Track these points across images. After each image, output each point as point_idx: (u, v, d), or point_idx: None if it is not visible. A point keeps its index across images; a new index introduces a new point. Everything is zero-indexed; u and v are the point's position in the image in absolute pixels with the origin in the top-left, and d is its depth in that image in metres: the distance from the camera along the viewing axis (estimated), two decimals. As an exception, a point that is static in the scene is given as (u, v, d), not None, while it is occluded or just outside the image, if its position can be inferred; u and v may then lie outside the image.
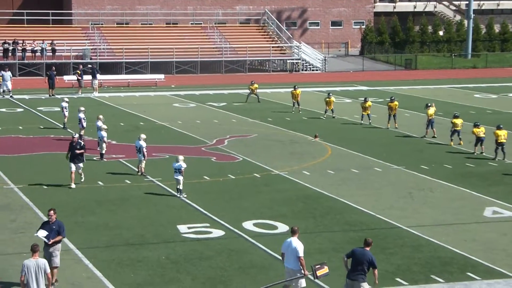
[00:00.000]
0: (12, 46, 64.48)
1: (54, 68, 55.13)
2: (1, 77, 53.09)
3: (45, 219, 20.06)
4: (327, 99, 44.46)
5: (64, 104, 39.80)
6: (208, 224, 23.52)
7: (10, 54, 64.44)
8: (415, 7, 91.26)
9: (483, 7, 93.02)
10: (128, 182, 28.76)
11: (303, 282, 17.20)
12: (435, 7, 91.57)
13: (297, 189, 27.98)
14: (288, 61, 73.73)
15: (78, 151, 27.69)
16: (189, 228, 23.08)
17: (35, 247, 16.43)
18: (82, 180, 27.98)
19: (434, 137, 37.92)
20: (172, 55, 68.36)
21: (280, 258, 20.24)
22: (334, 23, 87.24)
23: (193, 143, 36.51)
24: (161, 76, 62.41)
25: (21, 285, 16.03)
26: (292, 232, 17.42)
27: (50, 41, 65.47)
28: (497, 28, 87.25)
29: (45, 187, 27.94)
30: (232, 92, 56.19)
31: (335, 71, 72.63)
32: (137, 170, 29.92)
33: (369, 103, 42.36)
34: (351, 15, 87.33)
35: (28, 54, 64.88)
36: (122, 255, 20.69)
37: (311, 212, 24.91)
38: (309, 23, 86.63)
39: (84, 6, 78.27)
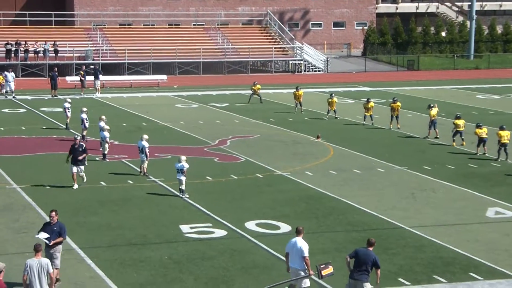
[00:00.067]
0: (15, 47, 64.54)
1: (56, 69, 55.17)
2: (4, 78, 53.18)
3: (48, 219, 20.07)
4: (330, 99, 44.47)
5: (67, 105, 39.82)
6: (210, 224, 23.52)
7: (12, 55, 64.48)
8: (417, 8, 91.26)
9: (485, 8, 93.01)
10: (131, 182, 28.78)
11: (307, 282, 17.20)
12: (437, 8, 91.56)
13: (300, 189, 27.98)
14: (290, 62, 73.73)
15: (80, 157, 27.57)
16: (191, 228, 23.09)
17: (38, 247, 16.45)
18: (85, 180, 27.95)
19: (436, 137, 37.91)
20: (175, 56, 68.39)
21: (283, 258, 20.31)
22: (336, 24, 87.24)
23: (195, 143, 36.53)
24: (164, 77, 62.44)
25: (23, 285, 16.04)
26: (297, 232, 17.39)
27: (53, 42, 65.52)
28: (499, 29, 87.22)
29: (47, 187, 27.97)
30: (235, 93, 56.20)
31: (338, 72, 72.62)
32: (139, 170, 29.94)
33: (371, 103, 42.36)
34: (354, 16, 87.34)
35: (31, 55, 64.94)
36: (124, 255, 20.70)
37: (314, 213, 24.91)
38: (312, 24, 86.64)
39: (87, 7, 78.34)
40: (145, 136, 29.69)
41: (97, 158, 32.37)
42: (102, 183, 28.61)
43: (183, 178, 26.30)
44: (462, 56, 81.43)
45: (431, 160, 32.99)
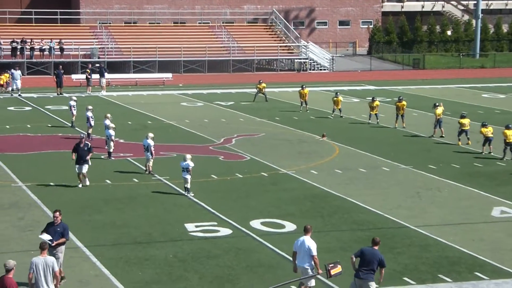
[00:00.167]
0: (21, 45, 64.63)
1: (61, 67, 55.24)
2: (11, 76, 53.27)
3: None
4: (335, 98, 44.44)
5: (72, 103, 39.84)
6: (215, 223, 23.52)
7: (18, 53, 64.58)
8: (423, 6, 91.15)
9: (491, 7, 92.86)
10: (136, 180, 28.79)
11: (312, 281, 17.20)
12: (443, 6, 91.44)
13: (305, 188, 27.97)
14: (295, 60, 73.71)
15: (88, 157, 27.57)
16: (196, 226, 23.10)
17: (44, 245, 16.47)
18: (87, 184, 27.66)
19: (442, 136, 37.87)
20: (180, 54, 68.42)
21: (288, 257, 20.29)
22: (341, 23, 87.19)
23: (200, 142, 36.54)
24: (169, 75, 62.48)
25: (28, 283, 16.05)
26: (305, 230, 17.35)
27: (58, 40, 65.62)
28: (505, 28, 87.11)
29: (53, 185, 27.99)
30: (240, 91, 56.20)
31: (343, 71, 72.58)
32: (144, 168, 29.96)
33: (377, 102, 42.32)
34: (359, 14, 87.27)
35: (36, 53, 65.04)
36: (129, 253, 20.71)
37: (319, 211, 24.90)
38: (317, 23, 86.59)
39: (92, 5, 78.39)
40: (151, 134, 29.70)
41: (102, 156, 32.39)
42: (107, 181, 28.63)
43: (188, 176, 26.31)
44: (467, 55, 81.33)
45: (436, 159, 32.95)
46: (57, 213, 18.52)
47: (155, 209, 25.05)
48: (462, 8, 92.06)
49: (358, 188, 28.07)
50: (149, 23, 78.07)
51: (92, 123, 36.39)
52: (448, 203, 26.19)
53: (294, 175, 29.84)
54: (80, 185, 27.50)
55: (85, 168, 27.51)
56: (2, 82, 54.74)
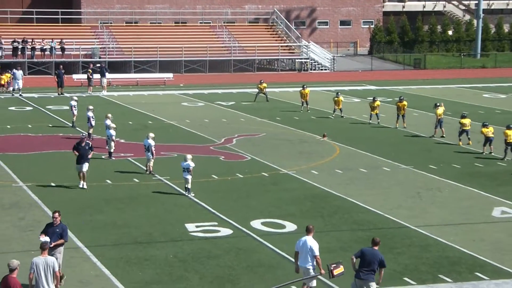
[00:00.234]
0: (22, 44, 64.65)
1: (62, 66, 55.27)
2: (12, 76, 53.29)
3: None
4: (336, 98, 44.44)
5: (73, 103, 39.86)
6: (216, 223, 23.53)
7: (19, 52, 64.60)
8: (424, 6, 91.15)
9: (492, 7, 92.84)
10: (137, 180, 28.81)
11: (313, 282, 17.20)
12: (444, 6, 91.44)
13: (305, 188, 27.98)
14: (296, 60, 73.71)
15: (89, 156, 27.55)
16: (197, 226, 23.11)
17: (44, 245, 16.49)
18: (85, 187, 27.37)
19: (442, 136, 37.87)
20: (181, 54, 68.43)
21: (289, 257, 20.31)
22: (343, 23, 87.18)
23: (201, 142, 36.55)
24: (170, 75, 62.50)
25: (29, 283, 16.05)
26: (307, 230, 17.34)
27: (59, 40, 65.64)
28: (506, 28, 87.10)
29: (53, 185, 28.01)
30: (241, 91, 56.21)
31: (344, 71, 72.57)
32: (145, 168, 29.97)
33: (377, 102, 42.33)
34: (360, 14, 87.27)
35: (38, 52, 65.05)
36: (130, 253, 20.73)
37: (319, 211, 24.90)
38: (318, 23, 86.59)
39: (93, 5, 78.40)
40: (151, 134, 29.72)
41: (103, 156, 32.41)
42: (108, 181, 28.65)
43: (189, 177, 26.32)
44: (468, 55, 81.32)
45: (437, 159, 32.95)
46: (56, 214, 18.51)
47: (156, 209, 25.06)
48: (463, 8, 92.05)
49: (358, 188, 28.08)
50: (150, 23, 78.09)
51: (93, 123, 36.40)
52: (448, 203, 26.19)
53: (295, 175, 29.85)
54: (81, 185, 27.38)
55: (85, 167, 27.42)
56: (3, 82, 54.80)
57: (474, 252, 21.05)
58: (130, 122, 41.76)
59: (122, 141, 35.86)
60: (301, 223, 23.14)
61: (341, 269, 16.07)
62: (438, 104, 39.27)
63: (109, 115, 34.29)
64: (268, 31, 77.37)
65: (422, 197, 26.95)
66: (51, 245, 17.92)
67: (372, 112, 42.25)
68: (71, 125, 40.15)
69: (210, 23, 78.15)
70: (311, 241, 17.12)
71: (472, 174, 30.50)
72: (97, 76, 55.27)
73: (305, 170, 30.77)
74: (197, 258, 20.35)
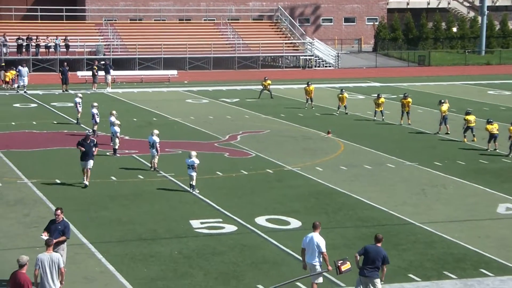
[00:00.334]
0: (26, 42, 64.68)
1: (66, 63, 55.30)
2: (18, 73, 53.34)
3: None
4: (340, 95, 44.41)
5: (78, 100, 39.92)
6: (220, 220, 23.55)
7: (24, 50, 64.64)
8: (428, 3, 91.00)
9: (497, 4, 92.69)
10: (141, 177, 28.82)
11: (319, 278, 17.19)
12: (448, 3, 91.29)
13: (310, 185, 27.97)
14: (301, 57, 73.66)
15: (95, 152, 27.49)
16: (201, 223, 23.12)
17: (49, 241, 16.50)
18: (87, 184, 27.13)
19: (447, 133, 37.82)
20: (185, 51, 68.41)
21: (293, 253, 20.32)
22: (347, 20, 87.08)
23: (206, 139, 36.56)
24: (174, 72, 62.47)
25: (34, 279, 16.06)
26: (314, 227, 17.33)
27: (64, 37, 65.66)
28: (511, 25, 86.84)
29: (58, 182, 28.03)
30: (245, 88, 56.19)
31: (348, 68, 72.51)
32: (150, 165, 29.98)
33: (382, 99, 42.29)
34: (364, 11, 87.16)
35: (42, 50, 65.06)
36: (135, 250, 20.75)
37: (324, 208, 24.90)
38: (322, 20, 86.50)
39: (98, 2, 78.41)
40: (156, 131, 29.72)
41: (107, 153, 32.44)
42: (113, 178, 28.67)
43: (194, 174, 26.32)
44: (473, 51, 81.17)
45: (441, 156, 32.92)
46: (59, 211, 18.54)
47: (160, 205, 25.08)
48: (468, 5, 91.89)
49: (363, 184, 28.07)
50: (154, 20, 78.09)
51: (98, 120, 36.43)
52: (453, 200, 26.17)
53: (299, 172, 29.84)
54: (86, 182, 27.34)
55: (90, 164, 27.34)
56: (7, 79, 54.87)
57: (479, 249, 21.04)
58: (135, 119, 41.78)
59: (127, 138, 35.88)
60: (305, 220, 23.16)
61: (348, 265, 16.07)
62: (442, 101, 39.23)
63: (114, 112, 34.31)
64: (273, 28, 77.31)
65: (427, 193, 26.93)
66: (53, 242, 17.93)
67: (376, 109, 42.21)
68: (75, 122, 40.20)
69: (214, 20, 78.11)
70: (317, 237, 17.11)
71: (477, 170, 30.47)
72: (101, 73, 55.29)
73: (310, 166, 30.76)
74: (201, 255, 20.37)
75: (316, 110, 45.65)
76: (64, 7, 72.68)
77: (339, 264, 15.96)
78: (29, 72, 56.80)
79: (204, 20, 78.88)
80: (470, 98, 51.30)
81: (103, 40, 68.47)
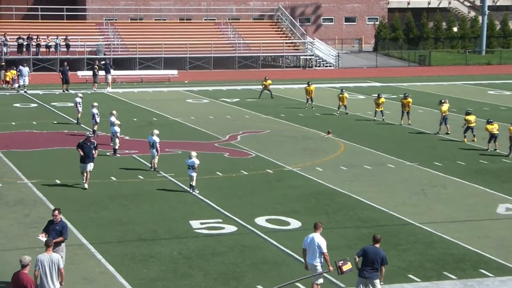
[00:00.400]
0: (27, 41, 64.67)
1: (66, 63, 55.31)
2: (19, 72, 53.33)
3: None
4: (340, 95, 44.41)
5: (78, 100, 39.92)
6: (220, 220, 23.55)
7: (24, 49, 64.63)
8: (429, 3, 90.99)
9: (498, 3, 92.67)
10: (141, 177, 28.83)
11: (320, 279, 17.19)
12: (449, 3, 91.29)
13: (310, 185, 27.98)
14: (301, 57, 73.63)
15: (95, 155, 27.27)
16: (201, 223, 23.13)
17: (49, 242, 16.50)
18: (86, 187, 27.08)
19: (447, 133, 37.82)
20: (186, 51, 68.40)
21: (293, 253, 20.32)
22: (347, 19, 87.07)
23: (206, 139, 36.56)
24: (175, 71, 62.45)
25: (34, 280, 16.03)
26: (315, 227, 17.34)
27: (64, 37, 65.64)
28: (511, 25, 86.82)
29: (58, 182, 28.04)
30: (245, 88, 56.19)
31: (349, 67, 72.49)
32: (150, 165, 29.98)
33: (382, 99, 42.28)
34: (365, 11, 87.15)
35: (42, 49, 65.05)
36: (134, 250, 20.75)
37: (324, 208, 24.91)
38: (323, 19, 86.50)
39: (98, 2, 78.42)
40: (156, 131, 29.72)
41: (107, 153, 32.44)
42: (113, 178, 28.67)
43: (194, 174, 26.32)
44: (474, 51, 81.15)
45: (441, 156, 32.92)
46: (56, 212, 18.53)
47: (160, 206, 25.09)
48: (469, 4, 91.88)
49: (363, 185, 28.07)
50: (155, 19, 78.09)
51: (98, 119, 36.42)
52: (453, 200, 26.17)
53: (299, 172, 29.85)
54: (85, 185, 27.16)
55: (90, 167, 27.09)
56: (8, 79, 54.87)
57: (479, 249, 21.04)
58: (135, 119, 41.79)
59: (127, 138, 35.89)
60: (305, 220, 23.17)
61: (349, 265, 16.08)
62: (443, 101, 39.23)
63: (114, 112, 34.30)
64: (273, 28, 77.30)
65: (427, 194, 26.94)
66: None
67: (377, 109, 42.21)
68: (76, 122, 40.20)
69: (215, 19, 78.10)
70: (318, 238, 17.11)
71: (477, 171, 30.47)
72: (102, 73, 55.28)
73: (310, 167, 30.76)
74: (201, 255, 20.37)
75: (317, 110, 45.65)
76: (64, 7, 72.65)
77: (340, 264, 15.96)
78: (30, 72, 56.79)
79: (205, 19, 78.87)
80: (470, 98, 51.29)
81: (103, 40, 68.46)
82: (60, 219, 18.49)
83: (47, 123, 40.45)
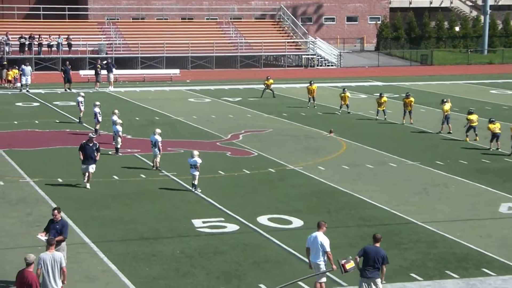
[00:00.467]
0: (29, 41, 64.72)
1: (68, 62, 55.33)
2: (21, 72, 53.37)
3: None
4: (342, 94, 44.41)
5: (80, 99, 39.93)
6: (222, 219, 23.55)
7: (26, 48, 64.67)
8: (431, 2, 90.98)
9: (499, 3, 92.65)
10: (143, 176, 28.83)
11: (323, 278, 17.19)
12: (451, 2, 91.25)
13: (312, 184, 27.97)
14: (303, 56, 73.64)
15: (97, 157, 27.03)
16: (203, 222, 23.13)
17: (51, 240, 16.51)
18: (88, 188, 26.98)
19: (449, 132, 37.81)
20: (188, 50, 68.43)
21: (295, 252, 20.33)
22: (349, 19, 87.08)
23: (208, 138, 36.56)
24: (177, 71, 62.47)
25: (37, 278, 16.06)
26: (318, 226, 17.33)
27: (66, 36, 65.69)
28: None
29: (60, 181, 28.05)
30: (247, 87, 56.20)
31: (351, 67, 72.49)
32: (152, 164, 29.99)
33: (384, 98, 42.27)
34: (367, 10, 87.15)
35: (44, 48, 65.12)
36: (137, 249, 20.76)
37: (326, 207, 24.90)
38: (325, 19, 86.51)
39: (100, 1, 78.47)
40: (158, 130, 29.73)
41: (110, 152, 32.44)
42: (115, 177, 28.68)
43: (196, 173, 26.32)
44: (475, 51, 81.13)
45: (444, 155, 32.91)
46: (55, 211, 18.51)
47: (162, 205, 25.09)
48: (470, 4, 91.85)
49: (365, 184, 28.07)
50: (156, 19, 78.11)
51: (100, 119, 36.40)
52: (455, 199, 26.16)
53: (301, 171, 29.84)
54: (87, 185, 27.09)
55: (92, 168, 26.90)
56: (10, 78, 54.90)
57: (481, 248, 21.03)
58: (137, 118, 41.80)
59: (129, 137, 35.90)
60: (307, 219, 23.17)
61: (352, 263, 16.12)
62: (445, 100, 39.21)
63: (116, 111, 34.34)
64: (275, 27, 77.31)
65: (429, 193, 26.93)
66: None
67: (379, 108, 42.20)
68: (78, 121, 40.22)
69: (216, 19, 78.12)
70: (321, 237, 17.11)
71: (479, 170, 30.46)
72: (104, 72, 55.30)
73: (312, 166, 30.76)
74: (203, 254, 20.37)
75: (318, 109, 45.64)
76: (66, 6, 72.71)
77: (343, 263, 15.99)
78: (32, 71, 56.82)
79: (207, 19, 78.89)
80: (472, 98, 51.27)
81: (105, 39, 68.48)
82: (60, 218, 18.47)
83: (49, 122, 40.47)
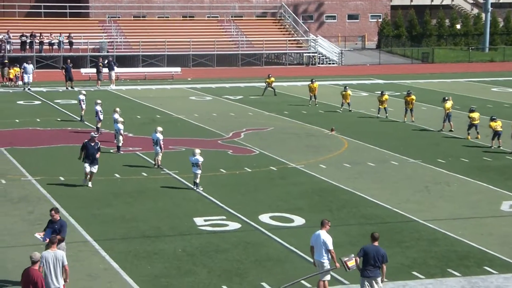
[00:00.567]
0: (30, 39, 64.75)
1: (69, 60, 55.35)
2: (23, 70, 53.38)
3: (62, 211, 20.10)
4: (344, 92, 44.39)
5: (81, 97, 39.95)
6: (224, 217, 23.56)
7: (27, 47, 64.69)
8: (432, 0, 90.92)
9: (501, 1, 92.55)
10: (145, 174, 28.85)
11: (327, 275, 17.20)
12: (452, 0, 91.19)
13: (313, 182, 27.97)
14: (304, 54, 73.63)
15: (98, 155, 26.87)
16: (205, 220, 23.13)
17: (53, 239, 16.52)
18: (90, 186, 26.89)
19: (451, 130, 37.80)
20: (189, 48, 68.43)
21: (297, 250, 20.34)
22: (350, 17, 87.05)
23: (209, 136, 36.57)
24: (178, 69, 62.50)
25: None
26: (322, 224, 17.35)
27: (67, 34, 65.71)
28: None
29: (62, 179, 28.07)
30: (249, 85, 56.20)
31: (352, 65, 72.49)
32: (153, 162, 30.00)
33: (386, 96, 42.26)
34: (368, 8, 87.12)
35: (46, 47, 65.14)
36: (138, 247, 20.77)
37: (327, 205, 24.90)
38: (326, 17, 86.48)
39: (101, -1, 78.45)
40: (159, 129, 29.73)
41: (111, 150, 32.46)
42: (117, 175, 28.69)
43: (198, 171, 26.33)
44: (477, 48, 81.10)
45: (445, 153, 32.90)
46: (53, 211, 18.46)
47: (164, 203, 25.10)
48: (472, 1, 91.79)
49: (366, 182, 28.06)
50: (158, 17, 78.11)
51: (101, 117, 36.41)
52: (457, 197, 26.16)
53: (303, 169, 29.85)
54: (89, 184, 27.03)
55: (94, 169, 26.76)
56: (11, 76, 54.92)
57: (483, 246, 21.02)
58: (138, 116, 41.81)
59: (131, 135, 35.92)
60: (309, 217, 23.18)
61: (353, 261, 16.14)
62: (446, 98, 39.21)
63: (117, 109, 34.34)
64: (276, 25, 77.31)
65: (431, 191, 26.93)
66: (46, 241, 17.92)
67: (380, 106, 42.20)
68: (79, 119, 40.24)
69: (217, 17, 78.13)
70: (324, 235, 17.12)
71: (481, 168, 30.45)
72: (105, 70, 55.32)
73: (313, 164, 30.76)
74: (205, 252, 20.38)
75: (320, 107, 45.64)
76: (67, 4, 72.72)
77: (345, 260, 16.02)
78: (34, 69, 56.83)
79: (208, 17, 78.88)
80: (473, 95, 51.26)
81: (106, 37, 68.50)
82: (58, 218, 18.45)
83: (51, 120, 40.49)
